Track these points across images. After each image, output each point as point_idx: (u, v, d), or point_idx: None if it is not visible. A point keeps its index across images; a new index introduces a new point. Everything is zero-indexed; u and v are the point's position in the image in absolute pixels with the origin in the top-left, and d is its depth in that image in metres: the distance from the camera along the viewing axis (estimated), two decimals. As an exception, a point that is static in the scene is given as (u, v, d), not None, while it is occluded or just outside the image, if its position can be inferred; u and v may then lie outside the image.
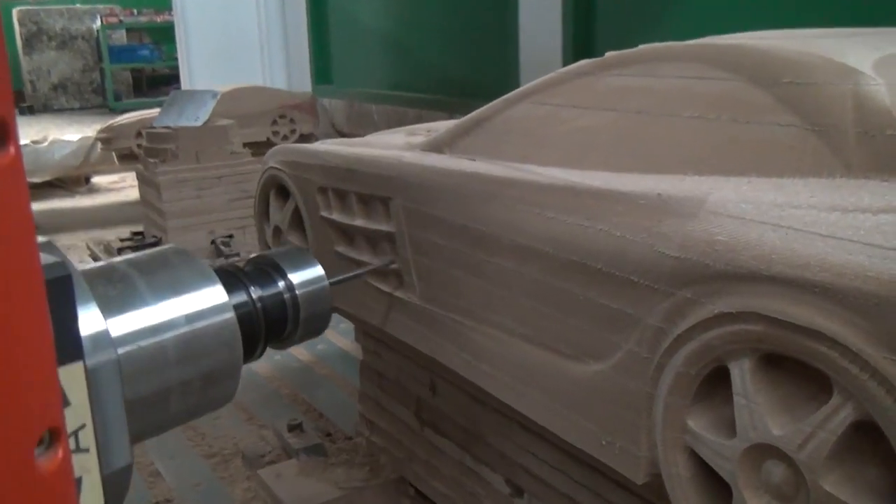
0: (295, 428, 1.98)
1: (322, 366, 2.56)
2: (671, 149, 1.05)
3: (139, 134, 4.93)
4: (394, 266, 1.43)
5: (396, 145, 1.54)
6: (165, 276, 0.86)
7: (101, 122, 5.47)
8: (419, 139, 1.53)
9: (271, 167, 1.77)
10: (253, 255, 1.19)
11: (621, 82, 1.19)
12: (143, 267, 0.86)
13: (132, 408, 0.75)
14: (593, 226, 1.00)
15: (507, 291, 1.17)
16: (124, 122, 5.34)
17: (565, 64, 1.41)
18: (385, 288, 1.48)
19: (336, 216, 1.57)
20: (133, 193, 4.98)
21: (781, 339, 0.79)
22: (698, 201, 0.90)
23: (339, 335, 2.78)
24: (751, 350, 0.82)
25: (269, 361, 2.59)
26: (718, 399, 0.88)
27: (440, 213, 1.29)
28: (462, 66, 4.68)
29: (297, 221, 1.74)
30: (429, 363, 1.49)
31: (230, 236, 3.81)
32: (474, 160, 1.31)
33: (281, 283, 1.10)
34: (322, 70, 6.31)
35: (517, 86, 1.42)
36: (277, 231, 1.80)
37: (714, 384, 0.88)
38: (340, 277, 1.37)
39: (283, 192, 1.79)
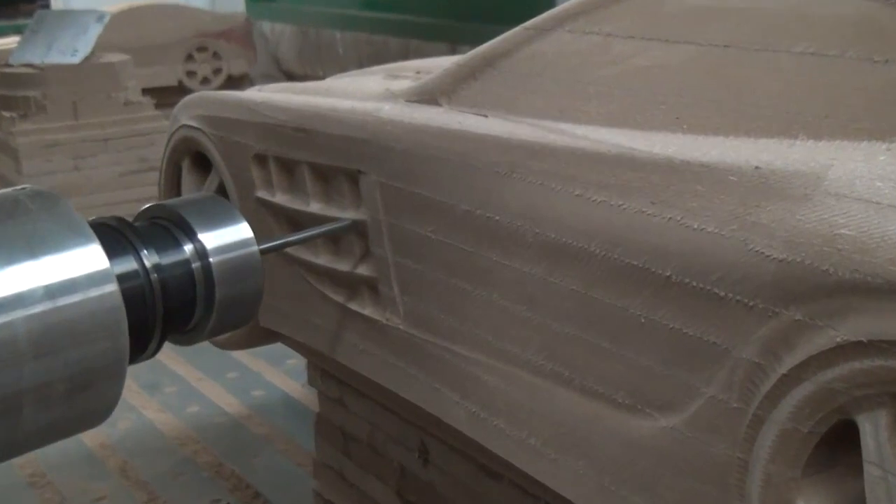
0: (218, 513, 1.99)
1: (259, 421, 2.57)
2: (774, 100, 1.07)
3: (-12, 75, 4.94)
4: (366, 268, 1.44)
5: (371, 93, 1.55)
6: (17, 228, 0.86)
7: (-69, 58, 5.46)
8: (404, 85, 1.55)
9: (185, 125, 1.78)
10: (148, 206, 1.17)
11: (701, 1, 1.20)
12: None
13: None
14: (660, 214, 1.01)
15: (531, 311, 1.18)
16: (-35, 57, 5.36)
17: (621, -26, 1.41)
18: (353, 306, 1.49)
19: (280, 198, 1.59)
20: (-22, 164, 4.98)
21: (934, 380, 0.80)
22: (814, 178, 0.92)
23: (285, 376, 2.79)
24: (890, 397, 0.83)
25: (179, 415, 2.60)
26: (841, 468, 0.89)
27: (434, 194, 1.30)
28: (470, -24, 4.68)
29: (222, 206, 1.75)
30: (417, 417, 1.50)
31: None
32: (485, 116, 1.32)
33: (188, 247, 1.10)
34: (261, -20, 6.32)
35: (549, 5, 1.43)
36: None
37: (835, 447, 0.89)
38: (277, 242, 1.35)
39: (203, 162, 1.80)
